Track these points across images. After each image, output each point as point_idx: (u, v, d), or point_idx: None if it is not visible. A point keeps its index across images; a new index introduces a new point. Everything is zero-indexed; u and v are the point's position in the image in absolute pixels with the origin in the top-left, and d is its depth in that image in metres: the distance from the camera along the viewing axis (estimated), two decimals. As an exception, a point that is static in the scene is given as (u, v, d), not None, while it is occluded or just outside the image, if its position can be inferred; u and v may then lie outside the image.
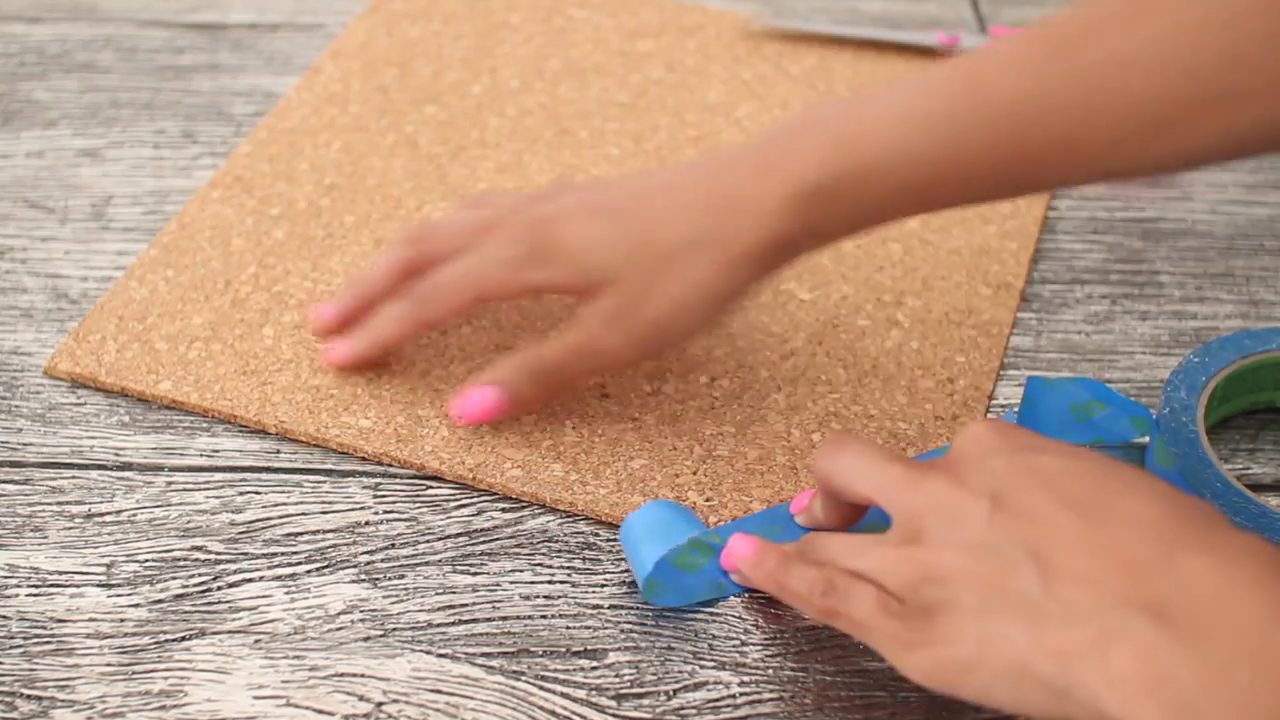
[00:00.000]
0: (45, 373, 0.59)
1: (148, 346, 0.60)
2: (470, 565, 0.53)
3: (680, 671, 0.49)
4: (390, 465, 0.56)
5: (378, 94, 0.74)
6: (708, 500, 0.54)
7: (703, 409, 0.58)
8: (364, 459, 0.56)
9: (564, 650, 0.50)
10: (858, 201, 0.50)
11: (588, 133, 0.72)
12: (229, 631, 0.50)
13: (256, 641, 0.50)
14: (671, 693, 0.49)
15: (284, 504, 0.55)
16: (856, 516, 0.51)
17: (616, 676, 0.49)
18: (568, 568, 0.53)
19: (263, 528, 0.54)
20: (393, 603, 0.51)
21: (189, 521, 0.54)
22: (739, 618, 0.51)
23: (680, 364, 0.59)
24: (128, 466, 0.56)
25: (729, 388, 0.59)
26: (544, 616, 0.51)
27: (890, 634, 0.43)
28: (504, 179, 0.69)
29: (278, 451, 0.57)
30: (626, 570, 0.53)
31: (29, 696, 0.48)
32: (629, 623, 0.51)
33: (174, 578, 0.52)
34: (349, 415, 0.57)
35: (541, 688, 0.49)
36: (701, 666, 0.49)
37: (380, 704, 0.48)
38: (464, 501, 0.55)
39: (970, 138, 0.49)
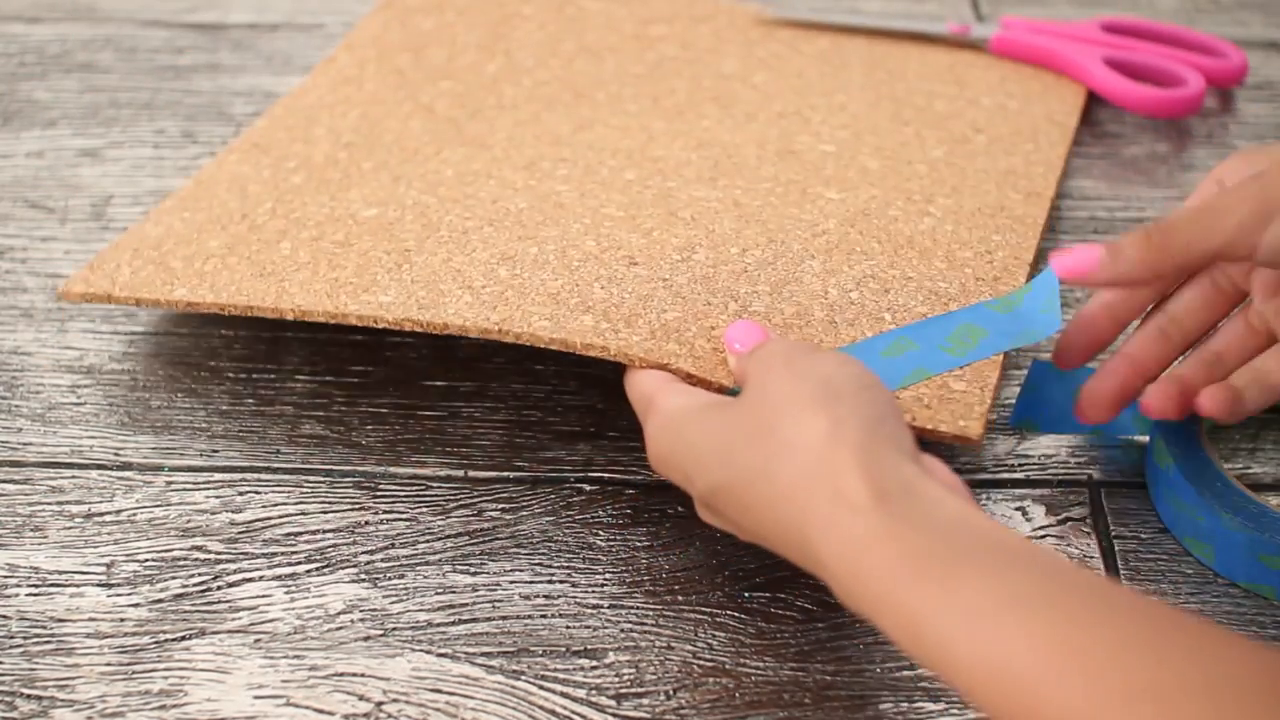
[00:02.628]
0: (59, 296, 0.58)
1: (163, 266, 0.59)
2: (470, 565, 0.53)
3: (680, 671, 0.49)
4: (399, 461, 0.56)
5: (393, 75, 0.73)
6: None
7: (735, 272, 0.56)
8: (363, 458, 0.56)
9: (564, 650, 0.50)
10: None
11: (605, 96, 0.71)
12: (229, 631, 0.50)
13: (256, 641, 0.50)
14: (671, 692, 0.49)
15: (284, 504, 0.55)
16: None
17: (616, 676, 0.49)
18: (567, 567, 0.53)
19: (262, 527, 0.54)
20: (392, 602, 0.51)
21: (189, 521, 0.54)
22: (739, 618, 0.51)
23: (709, 240, 0.58)
24: (127, 466, 0.56)
25: (761, 256, 0.57)
26: (544, 616, 0.51)
27: None
28: (522, 130, 0.68)
29: (277, 451, 0.57)
30: (626, 569, 0.53)
31: (29, 696, 0.48)
32: (629, 622, 0.51)
33: (174, 577, 0.52)
34: (369, 295, 0.55)
35: (541, 687, 0.49)
36: (701, 666, 0.49)
37: (380, 703, 0.48)
38: (464, 501, 0.55)
39: None
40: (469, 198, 0.62)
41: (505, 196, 0.62)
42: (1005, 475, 0.57)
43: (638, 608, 0.51)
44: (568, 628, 0.51)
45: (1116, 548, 0.54)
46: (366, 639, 0.50)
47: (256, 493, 0.55)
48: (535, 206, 0.61)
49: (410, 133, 0.68)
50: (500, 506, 0.55)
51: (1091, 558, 0.53)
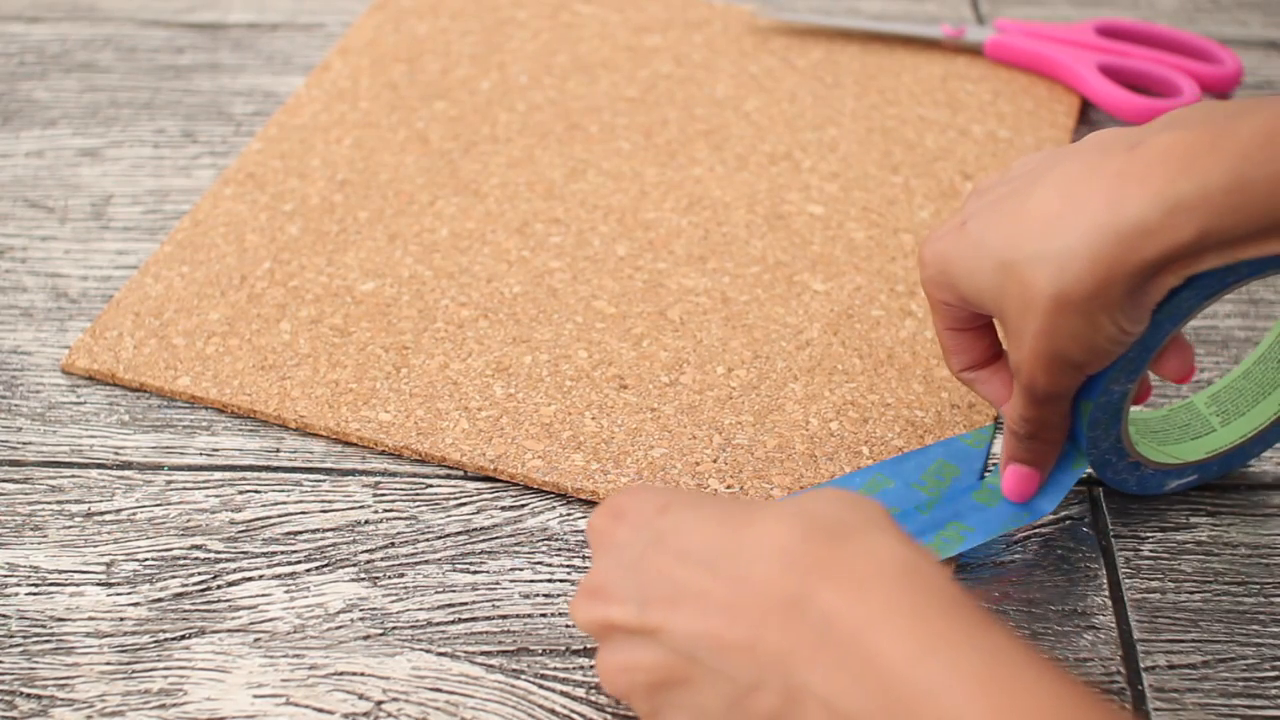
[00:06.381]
0: (63, 370, 0.59)
1: (165, 342, 0.60)
2: (470, 563, 0.53)
3: (680, 670, 0.49)
4: (399, 459, 0.56)
5: (387, 90, 0.74)
6: (729, 487, 0.55)
7: (720, 399, 0.58)
8: (363, 458, 0.56)
9: (563, 648, 0.50)
10: None
11: (598, 127, 0.72)
12: (228, 630, 0.50)
13: (256, 640, 0.50)
14: (671, 691, 0.49)
15: (284, 503, 0.55)
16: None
17: (616, 675, 0.49)
18: (568, 565, 0.53)
19: (262, 526, 0.54)
20: (392, 601, 0.51)
21: (189, 520, 0.54)
22: (739, 616, 0.51)
23: (697, 355, 0.60)
24: (127, 465, 0.56)
25: (746, 378, 0.59)
26: (544, 615, 0.51)
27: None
28: (515, 173, 0.69)
29: (277, 450, 0.57)
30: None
31: (29, 695, 0.48)
32: (629, 621, 0.51)
33: (173, 576, 0.52)
34: (368, 409, 0.57)
35: (541, 686, 0.49)
36: (701, 665, 0.49)
37: (380, 703, 0.48)
38: (463, 500, 0.55)
39: None
40: (464, 272, 0.63)
41: (499, 275, 0.63)
42: (1005, 474, 0.57)
43: (638, 607, 0.51)
44: (568, 626, 0.51)
45: (1116, 547, 0.54)
46: (366, 638, 0.50)
47: (256, 492, 0.55)
48: (528, 293, 0.63)
49: (405, 172, 0.69)
50: (500, 505, 0.55)
51: (1092, 557, 0.53)
